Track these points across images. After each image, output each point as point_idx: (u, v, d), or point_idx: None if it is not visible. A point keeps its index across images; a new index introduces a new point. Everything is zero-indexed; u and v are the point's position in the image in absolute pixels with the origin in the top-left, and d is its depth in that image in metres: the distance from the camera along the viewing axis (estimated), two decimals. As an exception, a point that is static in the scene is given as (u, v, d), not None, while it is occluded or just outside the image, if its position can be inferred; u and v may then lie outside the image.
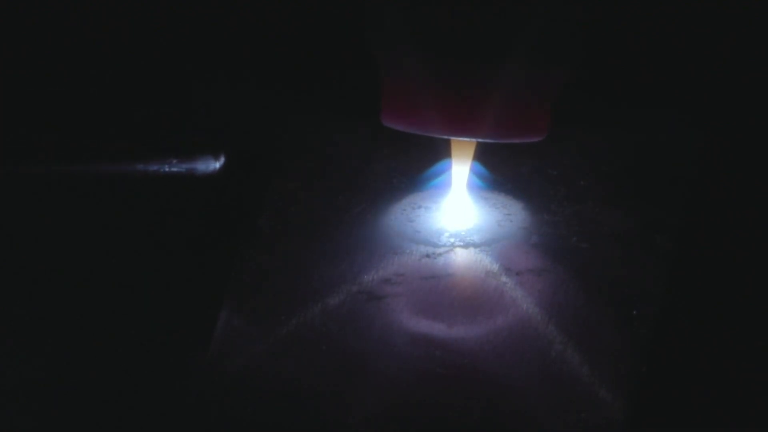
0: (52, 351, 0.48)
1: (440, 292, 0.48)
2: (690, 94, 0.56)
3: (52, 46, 0.59)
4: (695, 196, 0.54)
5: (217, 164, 0.56)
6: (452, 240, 0.52)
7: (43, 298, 0.51)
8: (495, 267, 0.50)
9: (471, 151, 0.53)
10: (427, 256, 0.51)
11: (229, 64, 0.61)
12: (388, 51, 0.49)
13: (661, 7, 0.54)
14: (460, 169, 0.54)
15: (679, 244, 0.50)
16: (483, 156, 0.56)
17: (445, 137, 0.52)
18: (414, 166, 0.57)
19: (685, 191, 0.55)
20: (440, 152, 0.56)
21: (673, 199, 0.54)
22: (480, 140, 0.51)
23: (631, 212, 0.53)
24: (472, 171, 0.55)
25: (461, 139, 0.51)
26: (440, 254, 0.51)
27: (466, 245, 0.52)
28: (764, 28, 0.54)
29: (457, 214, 0.54)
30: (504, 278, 0.49)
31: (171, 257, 0.53)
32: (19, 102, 0.58)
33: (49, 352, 0.48)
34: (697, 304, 0.48)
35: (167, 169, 0.55)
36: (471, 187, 0.55)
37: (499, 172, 0.57)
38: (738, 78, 0.55)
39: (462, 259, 0.51)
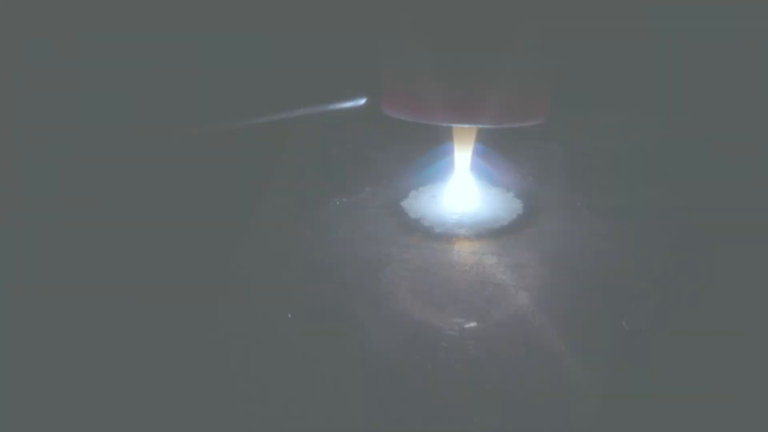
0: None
1: (436, 285, 0.49)
2: (693, 92, 0.56)
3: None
4: (695, 196, 0.54)
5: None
6: (451, 234, 0.52)
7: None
8: (493, 261, 0.50)
9: (473, 137, 0.53)
10: (426, 248, 0.51)
11: (224, 60, 0.61)
12: (389, 41, 0.49)
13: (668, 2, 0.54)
14: (462, 156, 0.54)
15: (678, 245, 0.51)
16: (481, 155, 0.56)
17: (446, 125, 0.52)
18: (414, 155, 0.57)
19: (685, 191, 0.55)
20: (441, 140, 0.55)
21: (673, 199, 0.54)
22: (481, 126, 0.51)
23: (631, 211, 0.53)
24: (475, 154, 0.55)
25: (462, 126, 0.51)
26: (438, 248, 0.51)
27: (464, 239, 0.52)
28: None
29: (458, 209, 0.54)
30: (501, 273, 0.49)
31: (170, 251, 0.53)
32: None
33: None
34: (695, 305, 0.48)
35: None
36: (473, 174, 0.55)
37: (499, 171, 0.57)
38: (743, 76, 0.55)
39: (460, 253, 0.51)
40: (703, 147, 0.56)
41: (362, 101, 0.53)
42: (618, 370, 0.43)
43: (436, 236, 0.52)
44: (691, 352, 0.45)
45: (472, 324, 0.46)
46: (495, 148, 0.57)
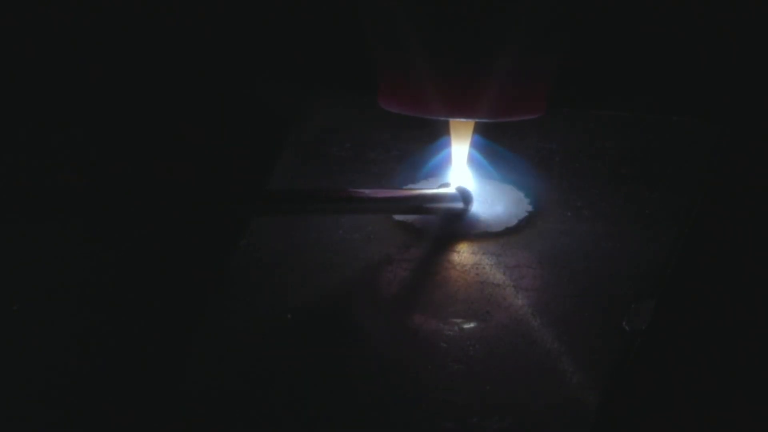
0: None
1: (436, 285, 0.49)
2: (697, 91, 0.56)
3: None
4: (695, 196, 0.54)
5: None
6: (450, 234, 0.52)
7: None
8: (492, 261, 0.50)
9: (470, 131, 0.53)
10: (425, 248, 0.51)
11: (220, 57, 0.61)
12: (383, 35, 0.49)
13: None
14: (459, 150, 0.54)
15: (679, 244, 0.51)
16: (480, 152, 0.56)
17: (443, 118, 0.51)
18: (411, 150, 0.57)
19: (685, 191, 0.55)
20: (438, 134, 0.55)
21: (674, 199, 0.54)
22: (478, 120, 0.50)
23: (631, 210, 0.53)
24: (473, 147, 0.54)
25: (459, 119, 0.51)
26: (438, 248, 0.51)
27: (464, 239, 0.52)
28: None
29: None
30: (501, 274, 0.49)
31: (167, 247, 0.53)
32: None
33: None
34: (692, 306, 0.48)
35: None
36: (470, 169, 0.55)
37: (497, 169, 0.57)
38: (749, 75, 0.55)
39: (460, 253, 0.51)
40: (703, 147, 0.56)
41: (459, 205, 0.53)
42: (618, 371, 0.43)
43: (436, 236, 0.52)
44: (691, 352, 0.45)
45: (472, 324, 0.46)
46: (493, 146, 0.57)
